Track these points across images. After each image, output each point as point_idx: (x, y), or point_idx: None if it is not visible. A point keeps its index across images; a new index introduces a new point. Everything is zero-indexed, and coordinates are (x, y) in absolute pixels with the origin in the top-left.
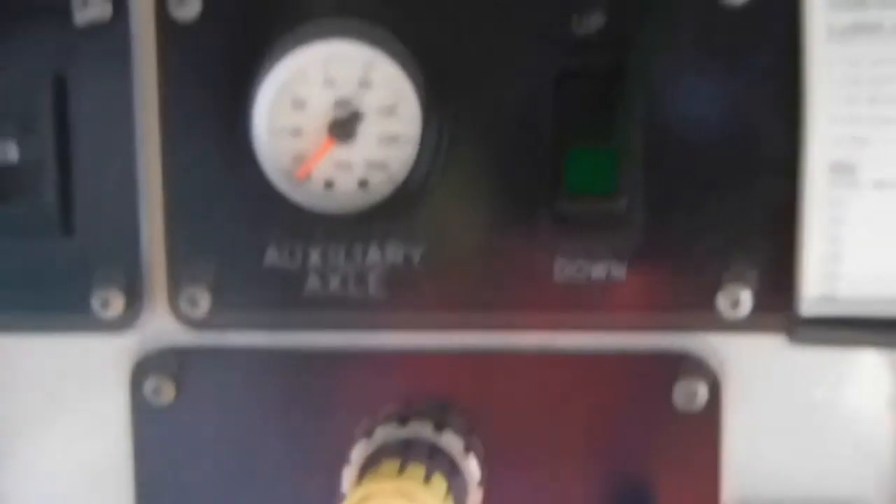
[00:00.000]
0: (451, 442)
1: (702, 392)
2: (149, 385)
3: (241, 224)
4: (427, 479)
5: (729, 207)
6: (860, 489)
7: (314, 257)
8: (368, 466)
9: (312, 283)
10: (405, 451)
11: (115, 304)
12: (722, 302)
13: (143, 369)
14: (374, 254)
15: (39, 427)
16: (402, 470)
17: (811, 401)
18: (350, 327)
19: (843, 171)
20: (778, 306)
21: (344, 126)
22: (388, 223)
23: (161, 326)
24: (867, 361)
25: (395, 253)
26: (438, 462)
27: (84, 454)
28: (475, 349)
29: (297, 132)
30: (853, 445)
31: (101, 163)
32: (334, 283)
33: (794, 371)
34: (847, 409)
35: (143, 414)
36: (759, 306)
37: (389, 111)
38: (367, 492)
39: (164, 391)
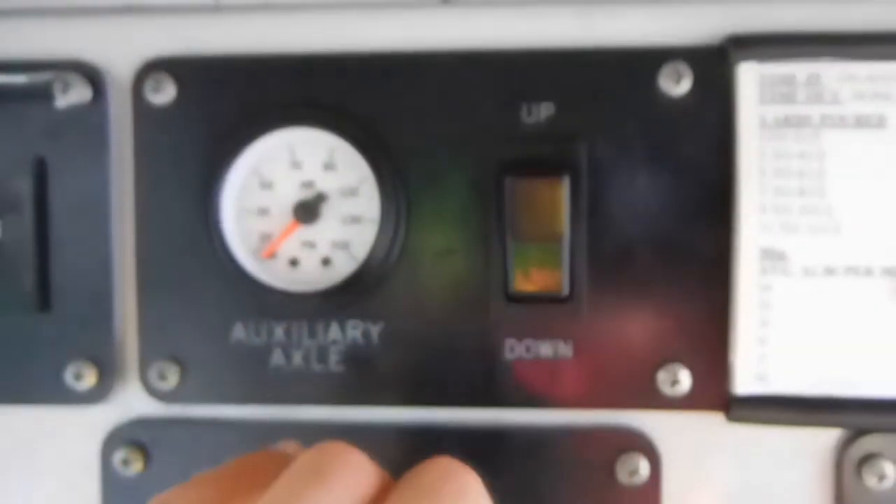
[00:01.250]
0: None
1: (643, 467)
2: (118, 456)
3: (209, 301)
4: None
5: (669, 292)
6: None
7: (278, 334)
8: None
9: (277, 358)
10: None
11: (88, 378)
12: (662, 381)
13: (113, 441)
14: (334, 331)
15: (13, 494)
16: None
17: (749, 479)
18: (311, 401)
19: (773, 257)
20: (715, 386)
21: (308, 209)
22: (349, 301)
23: (132, 399)
24: (804, 441)
25: (354, 330)
26: None
27: None
28: (429, 424)
29: (264, 212)
30: None
31: (77, 241)
32: (297, 358)
33: (732, 448)
34: (783, 490)
35: (112, 484)
36: (697, 386)
37: (352, 193)
38: None
39: (132, 462)
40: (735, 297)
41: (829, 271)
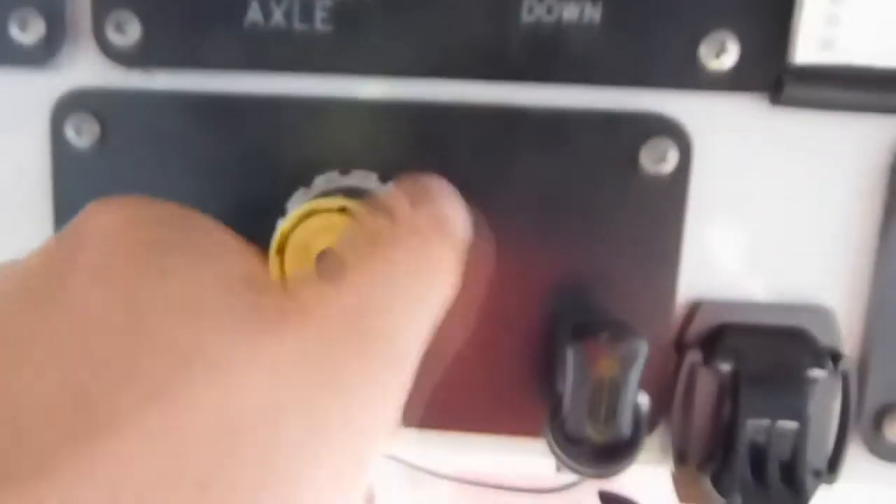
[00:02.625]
0: None
1: (671, 154)
2: (70, 124)
3: None
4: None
5: None
6: (828, 289)
7: None
8: None
9: (253, 14)
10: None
11: (35, 28)
12: (705, 51)
13: (64, 107)
14: None
15: None
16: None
17: (788, 174)
18: (292, 67)
19: None
20: (767, 60)
21: None
22: None
23: (85, 61)
24: (859, 136)
25: None
26: None
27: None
28: (428, 100)
29: None
30: (830, 240)
31: None
32: (277, 14)
33: (774, 138)
34: (827, 190)
35: (63, 155)
36: (745, 58)
37: None
38: (310, 207)
39: (85, 133)
40: None
41: None
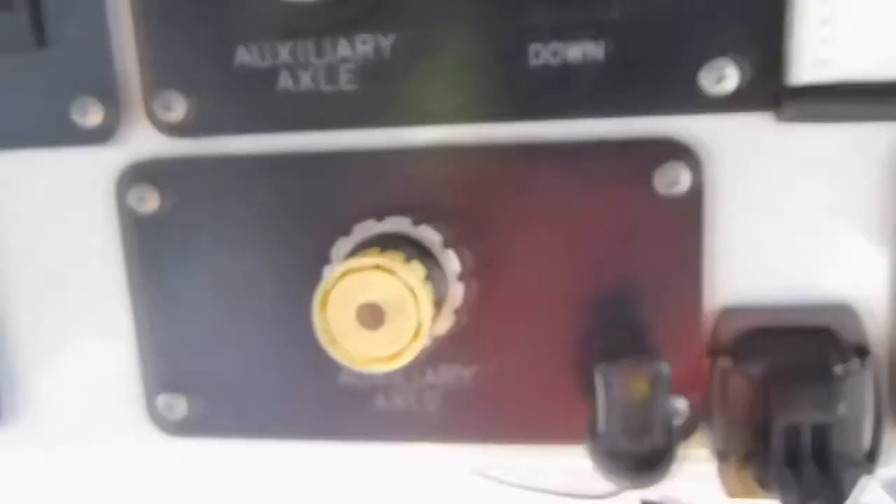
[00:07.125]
0: (429, 235)
1: (684, 177)
2: (133, 194)
3: (209, 24)
4: (406, 261)
5: None
6: (849, 287)
7: (284, 54)
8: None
9: (284, 81)
10: (383, 244)
11: (94, 114)
12: (705, 78)
13: (126, 179)
14: (343, 47)
15: (30, 239)
16: (381, 254)
17: (801, 187)
18: (323, 125)
19: None
20: (766, 81)
21: None
22: (357, 14)
23: (140, 135)
24: (864, 143)
25: (364, 45)
26: (417, 252)
27: (75, 264)
28: (450, 143)
29: None
30: (846, 240)
31: None
32: (305, 80)
33: (783, 154)
34: (839, 200)
35: (129, 222)
36: (745, 82)
37: None
38: (347, 267)
39: (148, 199)
40: None
41: None
